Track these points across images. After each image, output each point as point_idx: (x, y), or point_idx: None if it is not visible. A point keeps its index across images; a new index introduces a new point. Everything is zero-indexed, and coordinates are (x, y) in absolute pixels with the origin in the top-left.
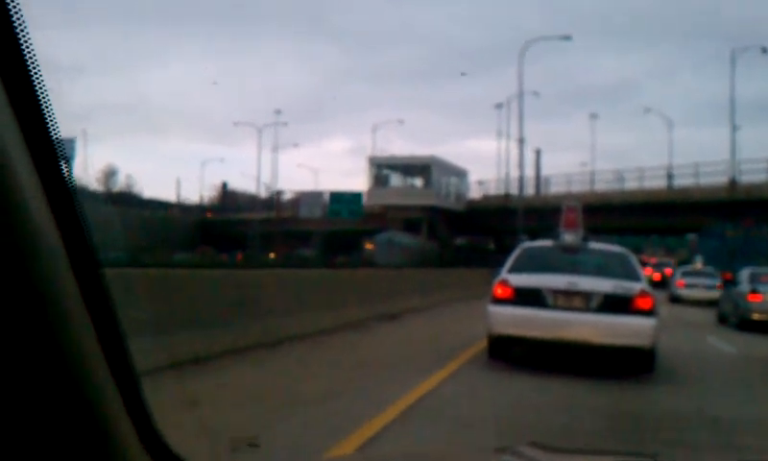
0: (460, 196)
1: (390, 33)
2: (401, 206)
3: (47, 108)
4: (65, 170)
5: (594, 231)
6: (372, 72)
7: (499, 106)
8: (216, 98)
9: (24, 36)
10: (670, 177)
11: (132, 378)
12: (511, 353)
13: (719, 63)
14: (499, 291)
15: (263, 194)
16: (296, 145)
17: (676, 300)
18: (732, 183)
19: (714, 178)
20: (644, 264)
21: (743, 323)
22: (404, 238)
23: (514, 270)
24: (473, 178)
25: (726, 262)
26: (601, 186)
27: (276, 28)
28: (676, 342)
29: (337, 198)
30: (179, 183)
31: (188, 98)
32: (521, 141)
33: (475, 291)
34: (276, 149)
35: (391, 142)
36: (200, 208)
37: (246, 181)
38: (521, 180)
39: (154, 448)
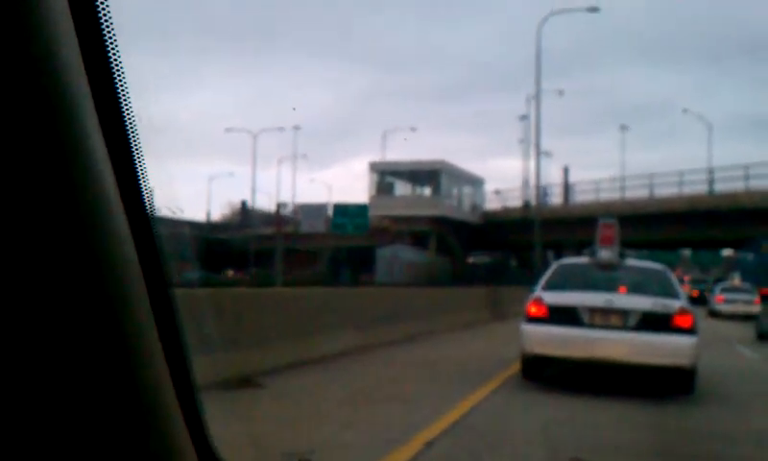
0: (475, 207)
1: (418, 54)
2: (407, 217)
3: (132, 128)
4: (144, 189)
5: (623, 246)
6: (399, 91)
7: (524, 117)
8: (239, 118)
9: (116, 58)
10: (711, 182)
11: (192, 391)
12: (544, 374)
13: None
14: (533, 309)
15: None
16: (304, 156)
17: (715, 314)
18: None
19: (765, 181)
20: (681, 281)
21: None
22: (409, 253)
23: (549, 287)
24: (491, 187)
25: (763, 278)
26: (632, 194)
27: (303, 49)
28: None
29: (341, 210)
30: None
31: (215, 119)
32: (538, 139)
33: (483, 314)
34: (293, 164)
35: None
36: (210, 226)
37: (264, 197)
38: (538, 188)
39: (207, 458)
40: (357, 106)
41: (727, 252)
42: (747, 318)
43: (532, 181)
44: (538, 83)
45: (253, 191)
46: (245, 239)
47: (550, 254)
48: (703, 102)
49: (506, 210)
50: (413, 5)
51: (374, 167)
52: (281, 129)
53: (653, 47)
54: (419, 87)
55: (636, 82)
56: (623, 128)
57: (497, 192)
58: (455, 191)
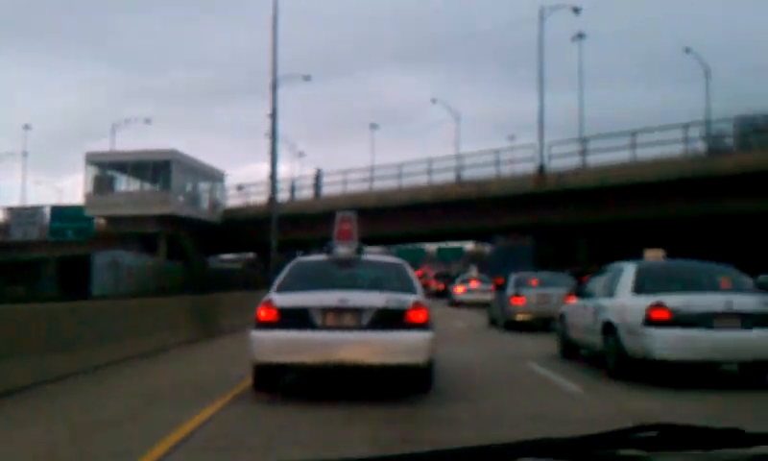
0: (214, 204)
1: (169, 54)
2: (132, 216)
3: None
4: None
5: (370, 242)
6: (154, 94)
7: (272, 115)
8: None
9: None
10: (461, 169)
11: None
12: (281, 382)
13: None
14: (263, 313)
15: None
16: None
17: (456, 304)
18: (541, 172)
19: (521, 164)
20: (425, 275)
21: (508, 324)
22: (130, 259)
23: (282, 289)
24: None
25: (497, 270)
26: (383, 185)
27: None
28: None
29: (59, 214)
30: None
31: None
32: (273, 116)
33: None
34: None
35: None
36: None
37: None
38: (274, 178)
39: None
40: (102, 106)
41: (469, 246)
42: (484, 306)
43: (284, 174)
44: (274, 71)
45: None
46: None
47: (300, 253)
48: (453, 102)
49: (249, 207)
50: (164, 4)
51: (91, 159)
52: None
53: (403, 52)
54: (172, 88)
55: (389, 85)
56: (373, 126)
57: (240, 187)
58: (189, 186)
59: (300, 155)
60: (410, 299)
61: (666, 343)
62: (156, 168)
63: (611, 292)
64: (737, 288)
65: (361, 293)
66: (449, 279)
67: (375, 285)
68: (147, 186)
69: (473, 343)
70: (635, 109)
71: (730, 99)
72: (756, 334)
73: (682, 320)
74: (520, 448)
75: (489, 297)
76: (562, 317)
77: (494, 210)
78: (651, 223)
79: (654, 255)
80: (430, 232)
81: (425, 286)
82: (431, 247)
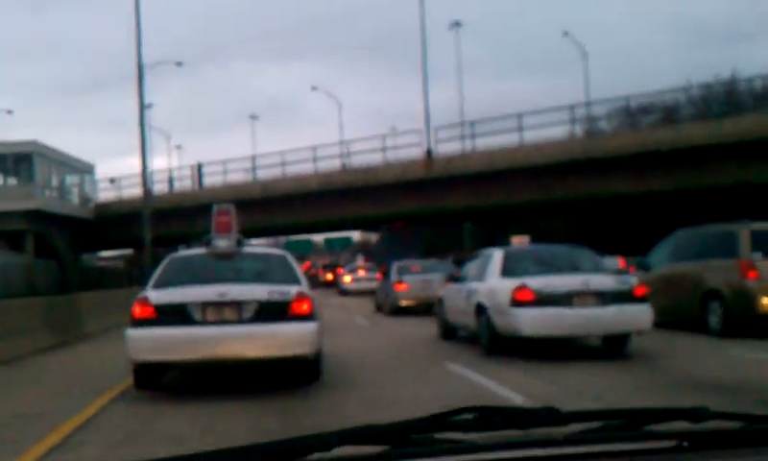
0: (85, 198)
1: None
2: None
3: None
4: None
5: (255, 234)
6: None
7: (149, 106)
8: None
9: None
10: (347, 155)
11: None
12: (163, 381)
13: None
14: (138, 311)
15: None
16: None
17: (345, 293)
18: (429, 157)
19: (409, 149)
20: (314, 265)
21: (393, 310)
22: None
23: (159, 285)
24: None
25: (384, 259)
26: (265, 174)
27: None
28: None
29: None
30: None
31: None
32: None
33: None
34: None
35: None
36: None
37: None
38: (144, 169)
39: None
40: None
41: (357, 236)
42: (372, 293)
43: (161, 165)
44: (139, 55)
45: None
46: None
47: (182, 247)
48: (335, 92)
49: (123, 201)
50: None
51: None
52: None
53: (282, 43)
54: (40, 79)
55: (270, 77)
56: (253, 117)
57: (112, 181)
58: (55, 179)
59: (178, 147)
60: (293, 290)
61: (531, 321)
62: (17, 161)
63: (481, 276)
64: (594, 269)
65: (242, 286)
66: (337, 269)
67: (257, 278)
68: (10, 181)
69: (359, 329)
70: (517, 98)
71: (607, 82)
72: (611, 310)
73: (544, 300)
74: (340, 436)
75: (375, 285)
76: (440, 301)
77: (383, 197)
78: (538, 207)
79: (520, 241)
80: (318, 222)
81: (314, 277)
82: (319, 238)
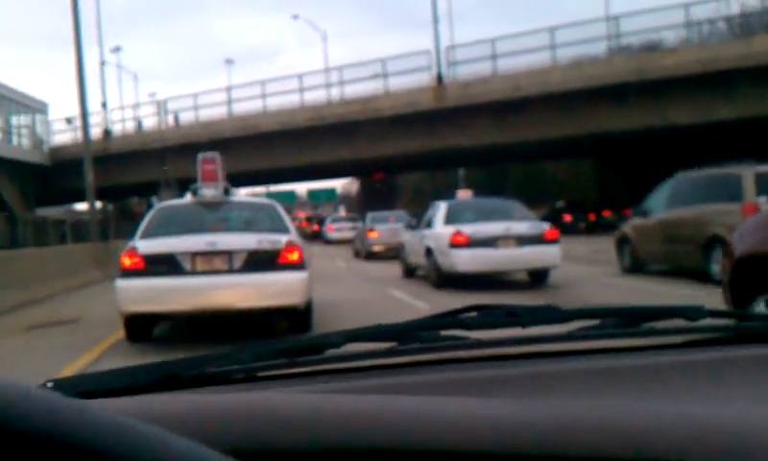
0: (38, 142)
1: None
2: None
3: None
4: None
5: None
6: None
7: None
8: None
9: None
10: (338, 84)
11: None
12: (154, 332)
13: None
14: (127, 261)
15: None
16: None
17: (329, 242)
18: (439, 82)
19: (416, 76)
20: (297, 218)
21: (368, 254)
22: None
23: (146, 235)
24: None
25: (366, 208)
26: (243, 107)
27: None
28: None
29: None
30: None
31: None
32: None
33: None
34: None
35: None
36: None
37: None
38: (83, 97)
39: None
40: None
41: (338, 189)
42: (351, 241)
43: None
44: None
45: None
46: None
47: (156, 198)
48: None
49: (81, 144)
50: None
51: None
52: None
53: None
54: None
55: (246, 26)
56: (228, 62)
57: (69, 121)
58: (0, 118)
59: (151, 95)
60: (283, 239)
61: (464, 260)
62: None
63: (430, 224)
64: (521, 219)
65: (231, 235)
66: (322, 221)
67: (246, 227)
68: None
69: (337, 270)
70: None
71: None
72: (527, 250)
73: (475, 242)
74: (348, 335)
75: (354, 233)
76: (402, 246)
77: (383, 135)
78: (571, 144)
79: (464, 194)
80: (305, 166)
81: (297, 229)
82: (302, 189)
